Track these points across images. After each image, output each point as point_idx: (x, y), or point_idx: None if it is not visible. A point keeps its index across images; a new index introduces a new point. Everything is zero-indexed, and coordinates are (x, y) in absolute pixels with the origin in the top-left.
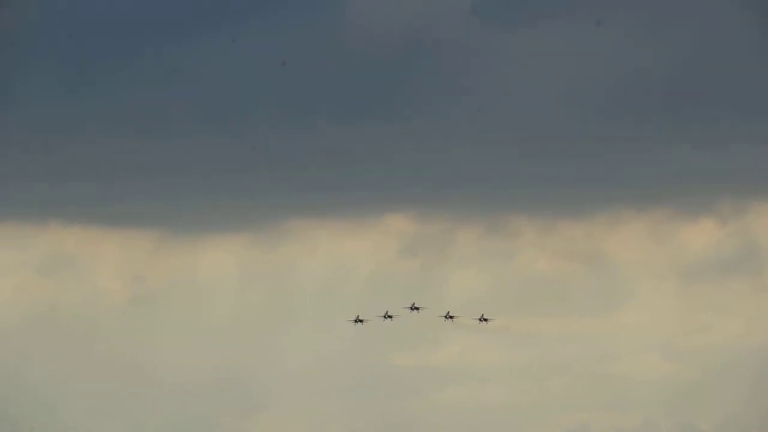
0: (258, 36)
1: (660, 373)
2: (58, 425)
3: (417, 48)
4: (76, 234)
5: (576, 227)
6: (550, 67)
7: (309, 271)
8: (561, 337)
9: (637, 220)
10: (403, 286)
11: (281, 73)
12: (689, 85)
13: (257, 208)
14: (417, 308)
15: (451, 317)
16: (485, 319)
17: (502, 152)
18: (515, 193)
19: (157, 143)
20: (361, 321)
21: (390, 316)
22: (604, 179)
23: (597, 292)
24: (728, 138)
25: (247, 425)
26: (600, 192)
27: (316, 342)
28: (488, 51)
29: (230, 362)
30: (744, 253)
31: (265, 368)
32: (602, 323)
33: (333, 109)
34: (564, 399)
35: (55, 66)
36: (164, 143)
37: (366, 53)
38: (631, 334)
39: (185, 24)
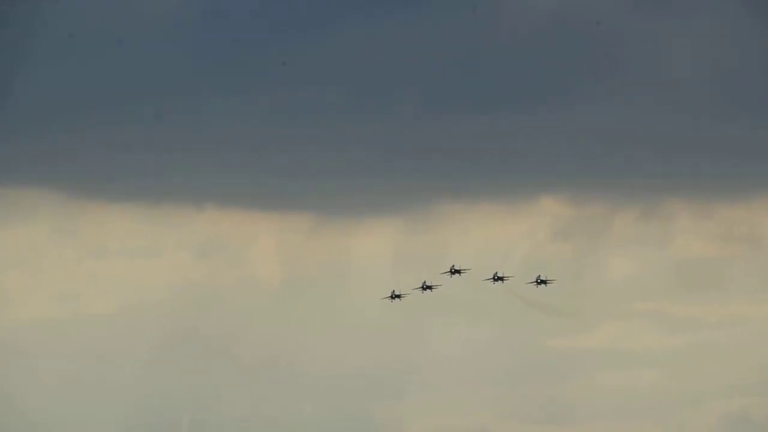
0: (404, 25)
1: None
2: (209, 408)
3: (569, 35)
4: (231, 217)
5: (734, 211)
6: (705, 50)
7: (461, 255)
8: (720, 322)
9: None
10: (556, 270)
11: (437, 60)
12: None
13: (410, 191)
14: (458, 271)
15: (500, 278)
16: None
17: (658, 136)
18: (672, 176)
19: (312, 124)
20: (398, 296)
21: (429, 287)
22: (765, 162)
23: (757, 277)
24: None
25: (399, 413)
26: (759, 175)
27: (468, 327)
28: (641, 36)
29: (383, 348)
30: None
31: (418, 354)
32: (763, 308)
33: (488, 95)
34: (723, 385)
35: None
36: (319, 124)
37: (518, 40)
38: None
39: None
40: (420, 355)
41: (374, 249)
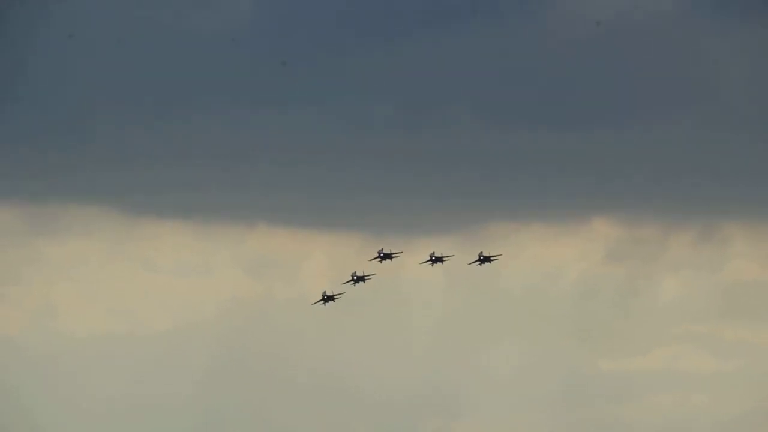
0: (461, 40)
1: None
2: (259, 426)
3: (630, 56)
4: (282, 236)
5: None
6: (764, 75)
7: (512, 276)
8: None
9: None
10: (609, 292)
11: (485, 76)
12: None
13: (463, 210)
14: (389, 255)
15: (438, 259)
16: (486, 258)
17: (713, 159)
18: (727, 199)
19: (365, 141)
20: (330, 298)
21: (361, 278)
22: None
23: None
24: None
25: None
26: None
27: (520, 348)
28: (699, 60)
29: (433, 370)
30: None
31: (469, 377)
32: None
33: (543, 114)
34: None
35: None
36: (372, 141)
37: (576, 59)
38: None
39: (397, 25)
40: (473, 375)
41: (426, 267)
